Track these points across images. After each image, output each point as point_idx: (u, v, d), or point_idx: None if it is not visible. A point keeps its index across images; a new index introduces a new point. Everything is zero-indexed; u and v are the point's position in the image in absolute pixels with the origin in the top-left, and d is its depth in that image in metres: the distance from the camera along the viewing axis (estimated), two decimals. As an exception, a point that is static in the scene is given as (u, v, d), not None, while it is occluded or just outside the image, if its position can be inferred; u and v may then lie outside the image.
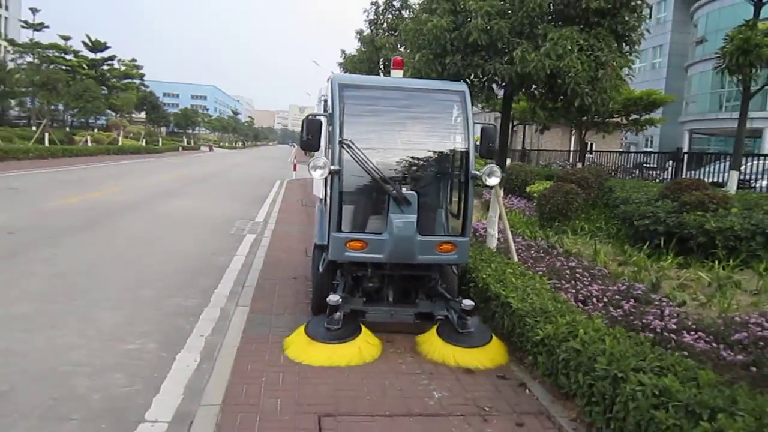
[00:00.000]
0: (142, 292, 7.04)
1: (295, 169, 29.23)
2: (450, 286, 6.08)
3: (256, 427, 3.81)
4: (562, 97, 11.92)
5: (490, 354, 5.26)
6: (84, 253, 8.96)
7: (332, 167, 5.23)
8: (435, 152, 5.98)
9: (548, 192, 11.91)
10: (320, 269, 5.94)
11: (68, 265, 8.10)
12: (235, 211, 14.92)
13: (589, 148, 32.32)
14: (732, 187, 13.28)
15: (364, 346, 5.20)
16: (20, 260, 8.21)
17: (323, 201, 6.35)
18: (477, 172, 5.62)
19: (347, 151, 5.35)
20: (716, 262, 7.89)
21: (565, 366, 4.35)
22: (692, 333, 5.33)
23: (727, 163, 16.69)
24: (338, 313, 5.30)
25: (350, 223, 5.50)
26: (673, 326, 5.45)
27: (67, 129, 47.44)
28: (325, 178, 5.77)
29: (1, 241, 9.31)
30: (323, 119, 5.76)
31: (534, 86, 12.66)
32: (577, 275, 7.32)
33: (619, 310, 5.94)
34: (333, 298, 5.29)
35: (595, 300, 6.33)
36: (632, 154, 28.16)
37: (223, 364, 4.83)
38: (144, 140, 54.64)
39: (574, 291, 6.61)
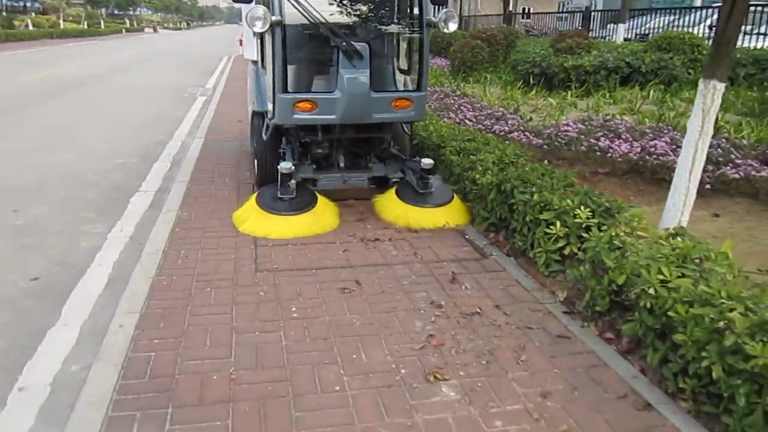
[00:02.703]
0: (118, 133, 9.02)
1: (241, 45, 30.06)
2: (402, 147, 5.87)
3: (213, 188, 6.01)
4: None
5: (452, 213, 5.25)
6: (63, 113, 10.79)
7: (273, 18, 4.65)
8: None
9: (458, 47, 13.87)
10: (264, 137, 5.48)
11: (54, 120, 9.99)
12: (187, 81, 16.51)
13: (526, 12, 33.81)
14: (619, 38, 15.37)
15: (323, 215, 5.06)
16: (11, 118, 10.01)
17: (259, 62, 5.98)
18: (433, 18, 5.21)
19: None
20: (569, 92, 10.17)
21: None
22: (519, 132, 7.65)
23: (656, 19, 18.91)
24: (292, 181, 5.02)
25: (297, 82, 5.09)
26: (508, 129, 7.77)
27: (3, 14, 46.18)
28: (260, 37, 5.51)
29: (-13, 106, 11.00)
30: None
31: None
32: (462, 107, 9.50)
33: (480, 125, 8.20)
34: (285, 165, 4.98)
35: (467, 121, 8.56)
36: (576, 15, 29.50)
37: (188, 165, 6.95)
38: (86, 23, 53.43)
39: (455, 116, 8.82)
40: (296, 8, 4.81)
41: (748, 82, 10.04)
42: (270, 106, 5.08)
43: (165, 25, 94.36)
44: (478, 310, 3.61)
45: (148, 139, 8.64)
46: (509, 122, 8.16)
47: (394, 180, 5.61)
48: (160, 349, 3.08)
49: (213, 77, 17.88)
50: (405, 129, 5.91)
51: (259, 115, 5.75)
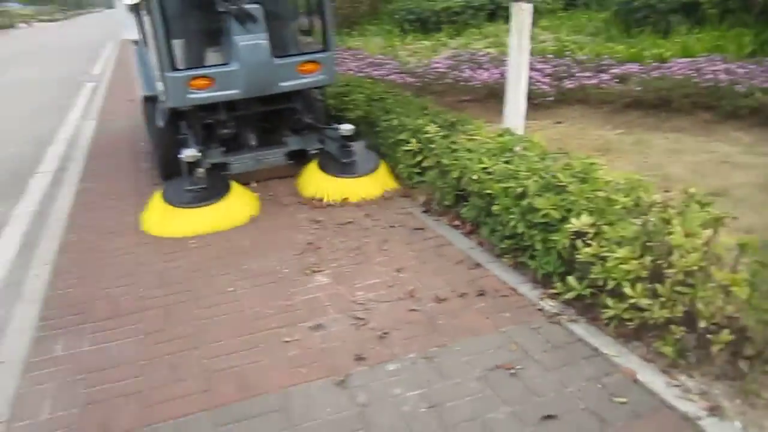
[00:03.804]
0: (8, 125, 9.05)
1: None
2: (317, 115, 5.40)
3: (110, 160, 6.35)
4: None
5: (381, 180, 4.88)
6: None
7: None
8: None
9: (338, 2, 14.33)
10: (160, 124, 4.99)
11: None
12: (74, 70, 16.15)
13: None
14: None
15: (240, 203, 4.57)
16: None
17: (140, 42, 5.55)
18: None
19: None
20: (442, 33, 10.89)
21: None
22: (396, 74, 8.31)
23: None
24: (200, 170, 4.51)
25: (186, 57, 4.61)
26: (385, 72, 8.42)
27: None
28: (137, 12, 5.24)
29: None
30: None
31: None
32: (345, 60, 10.06)
33: (361, 72, 8.79)
34: (189, 152, 4.46)
35: (350, 71, 9.13)
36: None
37: (83, 144, 7.23)
38: (-50, 23, 49.81)
39: (338, 69, 9.37)
40: None
41: (597, 3, 11.04)
42: (160, 88, 4.59)
43: (40, 18, 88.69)
44: (351, 220, 4.27)
45: (40, 127, 8.73)
46: (386, 67, 8.82)
47: (314, 152, 5.24)
48: (74, 286, 3.58)
49: (99, 63, 17.54)
50: (318, 96, 5.51)
51: (150, 100, 5.31)
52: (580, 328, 2.79)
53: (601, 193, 3.05)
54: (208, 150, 4.91)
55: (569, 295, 2.94)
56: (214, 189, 4.50)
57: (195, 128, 4.95)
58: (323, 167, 4.93)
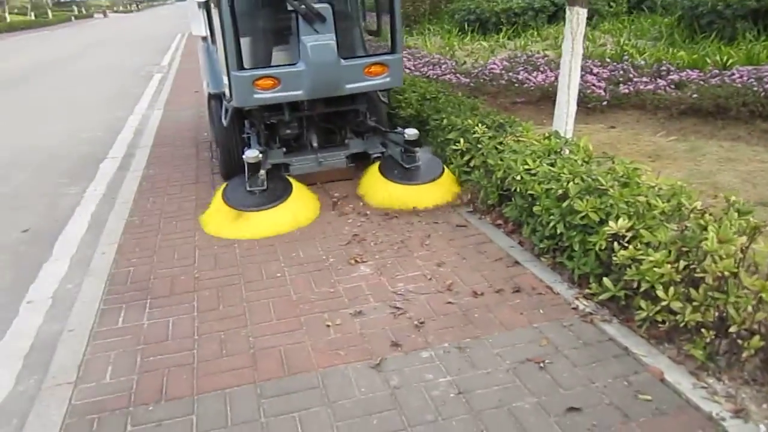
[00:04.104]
0: (82, 112, 9.61)
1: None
2: (380, 118, 5.33)
3: (174, 148, 6.69)
4: None
5: (444, 188, 4.69)
6: (26, 98, 11.32)
7: None
8: None
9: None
10: (224, 122, 4.90)
11: (19, 104, 10.53)
12: (143, 60, 16.91)
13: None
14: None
15: (301, 206, 4.48)
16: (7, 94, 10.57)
17: (208, 38, 5.53)
18: None
19: None
20: (501, 34, 10.90)
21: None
22: (451, 74, 8.41)
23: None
24: (261, 171, 4.48)
25: (253, 56, 4.58)
26: (441, 72, 8.53)
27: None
28: (206, 8, 5.21)
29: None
30: None
31: None
32: (403, 57, 10.22)
33: (417, 72, 8.94)
34: (251, 153, 4.41)
35: (406, 69, 9.28)
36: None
37: (150, 132, 7.62)
38: (32, 14, 52.41)
39: (394, 67, 9.56)
40: None
41: (663, 8, 10.84)
42: (226, 87, 4.52)
43: (115, 9, 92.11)
44: (396, 215, 4.41)
45: (110, 115, 9.24)
46: (443, 67, 8.92)
47: (376, 156, 5.12)
48: (137, 265, 3.85)
49: (168, 55, 18.24)
50: (381, 98, 5.34)
51: (216, 98, 5.23)
52: (612, 328, 2.86)
53: (641, 198, 3.09)
54: (269, 150, 4.88)
55: (604, 296, 3.01)
56: (275, 191, 4.44)
57: (258, 128, 4.96)
58: (384, 172, 4.77)
